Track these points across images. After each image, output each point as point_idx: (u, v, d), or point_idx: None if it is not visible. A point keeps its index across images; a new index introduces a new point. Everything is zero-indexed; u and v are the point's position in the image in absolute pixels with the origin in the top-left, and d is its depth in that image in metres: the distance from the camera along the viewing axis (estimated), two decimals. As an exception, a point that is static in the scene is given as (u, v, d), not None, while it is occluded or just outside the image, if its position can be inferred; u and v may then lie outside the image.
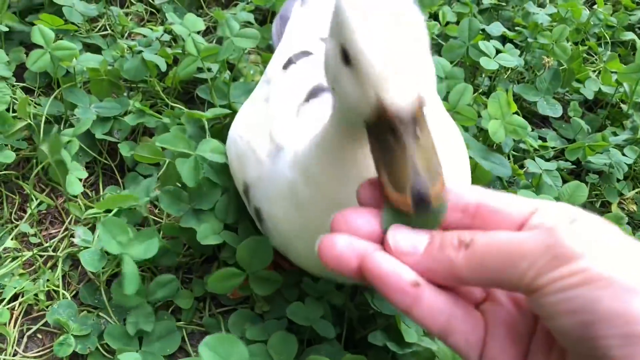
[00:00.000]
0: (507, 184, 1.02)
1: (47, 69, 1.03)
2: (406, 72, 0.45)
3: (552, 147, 1.11)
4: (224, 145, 0.84)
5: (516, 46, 1.32)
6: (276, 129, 0.71)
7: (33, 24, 1.22)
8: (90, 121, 0.95)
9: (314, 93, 0.72)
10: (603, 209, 1.10)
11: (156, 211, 0.99)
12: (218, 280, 0.77)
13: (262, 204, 0.70)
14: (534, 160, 0.99)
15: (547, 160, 1.10)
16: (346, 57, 0.47)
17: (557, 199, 0.87)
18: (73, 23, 1.18)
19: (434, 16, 1.38)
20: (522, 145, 1.09)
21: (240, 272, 0.77)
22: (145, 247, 0.79)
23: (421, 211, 0.44)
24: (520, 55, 1.24)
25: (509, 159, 1.10)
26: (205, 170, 0.83)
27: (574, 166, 1.06)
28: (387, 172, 0.46)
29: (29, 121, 0.94)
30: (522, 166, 1.07)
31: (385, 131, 0.46)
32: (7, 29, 1.15)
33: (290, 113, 0.72)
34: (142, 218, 0.96)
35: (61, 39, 1.15)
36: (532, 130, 1.18)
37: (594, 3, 1.57)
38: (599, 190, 1.10)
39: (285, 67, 0.81)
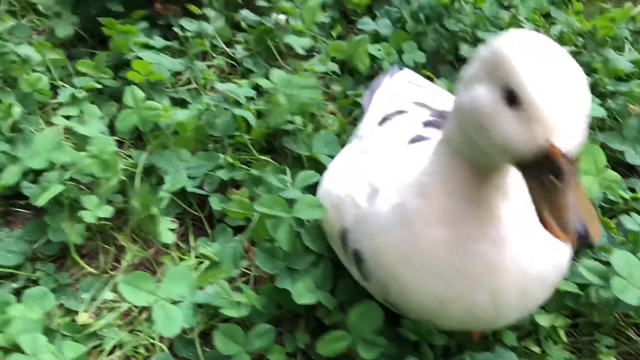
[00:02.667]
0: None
1: (137, 124, 1.08)
2: (578, 118, 0.49)
3: (644, 199, 1.07)
4: (317, 200, 0.84)
5: (597, 94, 1.29)
6: (375, 174, 0.74)
7: (124, 78, 1.30)
8: (183, 182, 0.99)
9: (416, 139, 0.77)
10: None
11: (244, 264, 1.00)
12: (327, 344, 0.78)
13: (362, 242, 0.72)
14: (628, 214, 0.96)
15: (638, 212, 1.07)
16: (512, 99, 0.51)
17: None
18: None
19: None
20: (612, 197, 1.06)
21: (347, 335, 0.78)
22: (178, 286, 0.82)
23: (583, 248, 0.53)
24: (602, 103, 1.22)
25: (598, 210, 1.07)
26: (302, 232, 0.84)
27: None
28: (550, 210, 0.50)
29: (123, 178, 0.98)
30: (611, 218, 1.04)
31: (545, 172, 0.50)
32: (101, 86, 1.21)
33: (390, 158, 0.76)
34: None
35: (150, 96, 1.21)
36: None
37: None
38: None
39: (381, 123, 0.86)
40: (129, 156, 1.15)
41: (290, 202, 0.85)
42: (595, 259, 0.89)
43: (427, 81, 1.11)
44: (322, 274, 0.83)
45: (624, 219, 0.94)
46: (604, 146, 1.21)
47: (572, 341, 0.91)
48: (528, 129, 0.50)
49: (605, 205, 1.08)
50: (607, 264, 0.83)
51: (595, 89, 1.32)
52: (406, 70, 1.13)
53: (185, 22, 1.38)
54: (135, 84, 1.22)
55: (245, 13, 1.48)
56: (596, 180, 0.93)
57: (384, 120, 0.86)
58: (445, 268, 0.64)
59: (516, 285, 0.64)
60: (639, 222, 0.93)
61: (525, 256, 0.64)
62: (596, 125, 1.30)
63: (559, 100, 0.49)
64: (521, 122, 0.51)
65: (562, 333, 0.84)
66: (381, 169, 0.75)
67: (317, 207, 0.82)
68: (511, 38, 0.54)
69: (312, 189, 0.93)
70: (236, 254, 0.90)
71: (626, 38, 1.53)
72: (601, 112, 1.15)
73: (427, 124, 0.81)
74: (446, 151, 0.63)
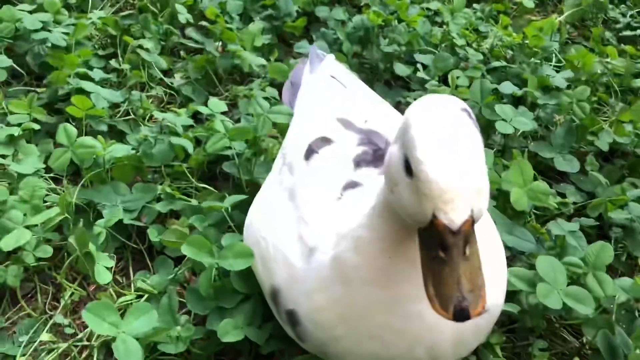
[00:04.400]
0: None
1: (74, 161, 1.07)
2: (463, 192, 0.50)
3: (573, 203, 1.11)
4: (247, 248, 0.82)
5: (527, 105, 1.35)
6: (307, 231, 0.72)
7: (60, 112, 1.28)
8: (119, 215, 0.98)
9: (349, 186, 0.74)
10: (630, 262, 1.09)
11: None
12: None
13: (298, 303, 0.70)
14: (555, 219, 1.00)
15: (569, 216, 1.11)
16: (408, 168, 0.52)
17: (583, 260, 0.87)
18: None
19: (443, 80, 1.42)
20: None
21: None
22: (141, 321, 0.80)
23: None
24: (532, 112, 1.27)
25: (530, 217, 1.10)
26: (231, 274, 0.84)
27: (597, 223, 1.06)
28: (434, 286, 0.51)
29: (67, 216, 0.97)
30: (544, 224, 1.08)
31: (436, 243, 0.51)
32: (39, 127, 1.20)
33: (323, 211, 0.73)
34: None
35: (87, 124, 1.20)
36: (551, 186, 1.19)
37: (598, 55, 1.60)
38: (623, 243, 1.10)
39: (307, 157, 0.82)
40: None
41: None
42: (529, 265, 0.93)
43: (350, 74, 1.07)
44: (252, 310, 0.83)
45: (551, 225, 0.98)
46: (535, 155, 1.26)
47: (509, 347, 0.93)
48: (418, 200, 0.51)
49: (537, 212, 1.13)
50: (536, 272, 0.87)
51: (525, 101, 1.38)
52: (328, 59, 1.08)
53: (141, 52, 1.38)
54: (75, 119, 1.22)
55: (189, 34, 1.49)
56: (524, 192, 0.97)
57: (310, 152, 0.83)
58: (383, 329, 0.64)
59: (452, 338, 0.65)
60: (564, 226, 0.96)
61: None
62: (529, 135, 1.36)
63: (444, 174, 0.50)
64: (413, 192, 0.52)
65: (497, 349, 0.86)
66: (314, 225, 0.73)
67: (245, 257, 0.81)
68: (419, 106, 0.55)
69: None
70: (174, 303, 0.87)
71: (554, 49, 1.59)
72: (531, 126, 1.20)
73: (358, 162, 0.78)
74: (382, 207, 0.61)
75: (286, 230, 0.75)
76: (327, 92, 0.97)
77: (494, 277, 0.68)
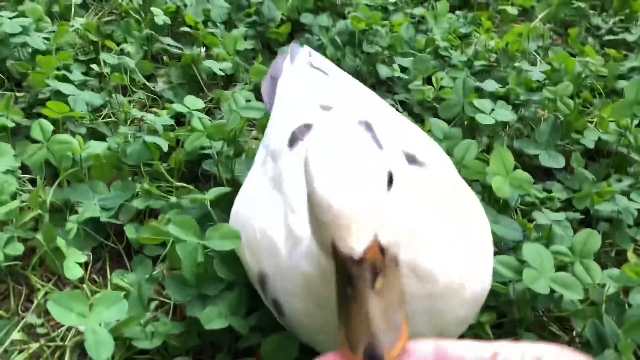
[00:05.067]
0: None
1: (50, 159, 1.05)
2: (360, 214, 0.44)
3: (559, 198, 1.10)
4: (234, 229, 0.80)
5: (511, 104, 1.34)
6: (294, 219, 0.68)
7: (39, 115, 1.27)
8: (93, 212, 0.96)
9: None
10: (619, 257, 1.08)
11: (164, 292, 0.97)
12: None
13: (281, 297, 0.67)
14: (541, 212, 0.98)
15: (556, 211, 1.09)
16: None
17: (571, 249, 0.86)
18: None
19: (428, 81, 1.42)
20: (528, 199, 1.08)
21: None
22: (111, 311, 0.75)
23: None
24: (516, 112, 1.26)
25: (516, 213, 1.09)
26: (214, 258, 0.81)
27: (582, 216, 1.05)
28: (344, 326, 0.44)
29: (40, 211, 0.94)
30: (530, 220, 1.06)
31: (344, 279, 0.45)
32: (13, 124, 1.18)
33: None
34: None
35: (66, 127, 1.18)
36: (536, 184, 1.18)
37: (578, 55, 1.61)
38: (611, 238, 1.08)
39: (291, 144, 0.79)
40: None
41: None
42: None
43: (329, 63, 1.06)
44: (236, 299, 0.80)
45: (536, 214, 0.96)
46: (520, 153, 1.25)
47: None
48: (317, 227, 0.47)
49: (524, 207, 1.11)
50: (523, 262, 0.85)
51: (509, 100, 1.37)
52: (306, 50, 1.06)
53: (106, 56, 1.37)
54: (54, 122, 1.20)
55: (167, 40, 1.49)
56: (506, 180, 0.95)
57: (294, 140, 0.79)
58: None
59: (433, 335, 0.61)
60: (550, 216, 0.95)
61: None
62: (515, 135, 1.35)
63: (336, 195, 0.44)
64: (313, 218, 0.48)
65: (487, 328, 0.84)
66: (302, 214, 0.66)
67: (232, 238, 0.78)
68: (314, 137, 0.50)
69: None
70: (144, 292, 0.84)
71: (536, 52, 1.60)
72: (510, 117, 1.20)
73: None
74: None
75: (274, 217, 0.72)
76: (308, 80, 0.95)
77: (480, 259, 0.66)
